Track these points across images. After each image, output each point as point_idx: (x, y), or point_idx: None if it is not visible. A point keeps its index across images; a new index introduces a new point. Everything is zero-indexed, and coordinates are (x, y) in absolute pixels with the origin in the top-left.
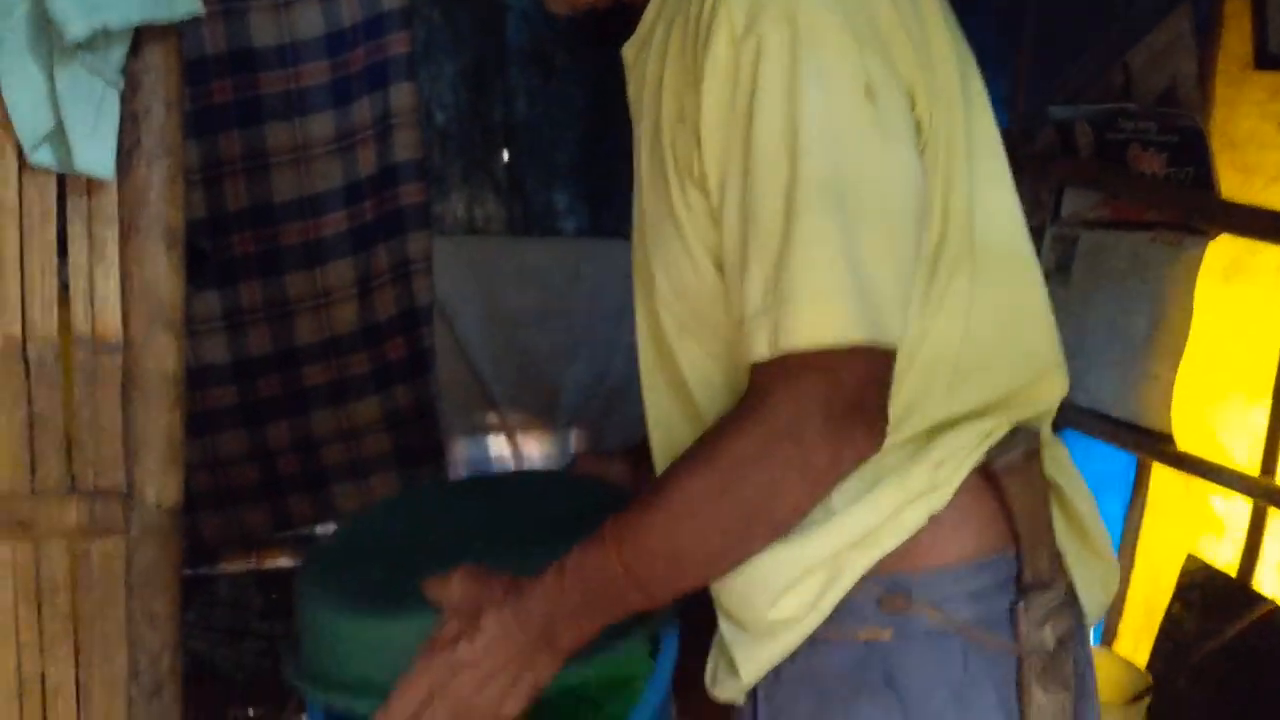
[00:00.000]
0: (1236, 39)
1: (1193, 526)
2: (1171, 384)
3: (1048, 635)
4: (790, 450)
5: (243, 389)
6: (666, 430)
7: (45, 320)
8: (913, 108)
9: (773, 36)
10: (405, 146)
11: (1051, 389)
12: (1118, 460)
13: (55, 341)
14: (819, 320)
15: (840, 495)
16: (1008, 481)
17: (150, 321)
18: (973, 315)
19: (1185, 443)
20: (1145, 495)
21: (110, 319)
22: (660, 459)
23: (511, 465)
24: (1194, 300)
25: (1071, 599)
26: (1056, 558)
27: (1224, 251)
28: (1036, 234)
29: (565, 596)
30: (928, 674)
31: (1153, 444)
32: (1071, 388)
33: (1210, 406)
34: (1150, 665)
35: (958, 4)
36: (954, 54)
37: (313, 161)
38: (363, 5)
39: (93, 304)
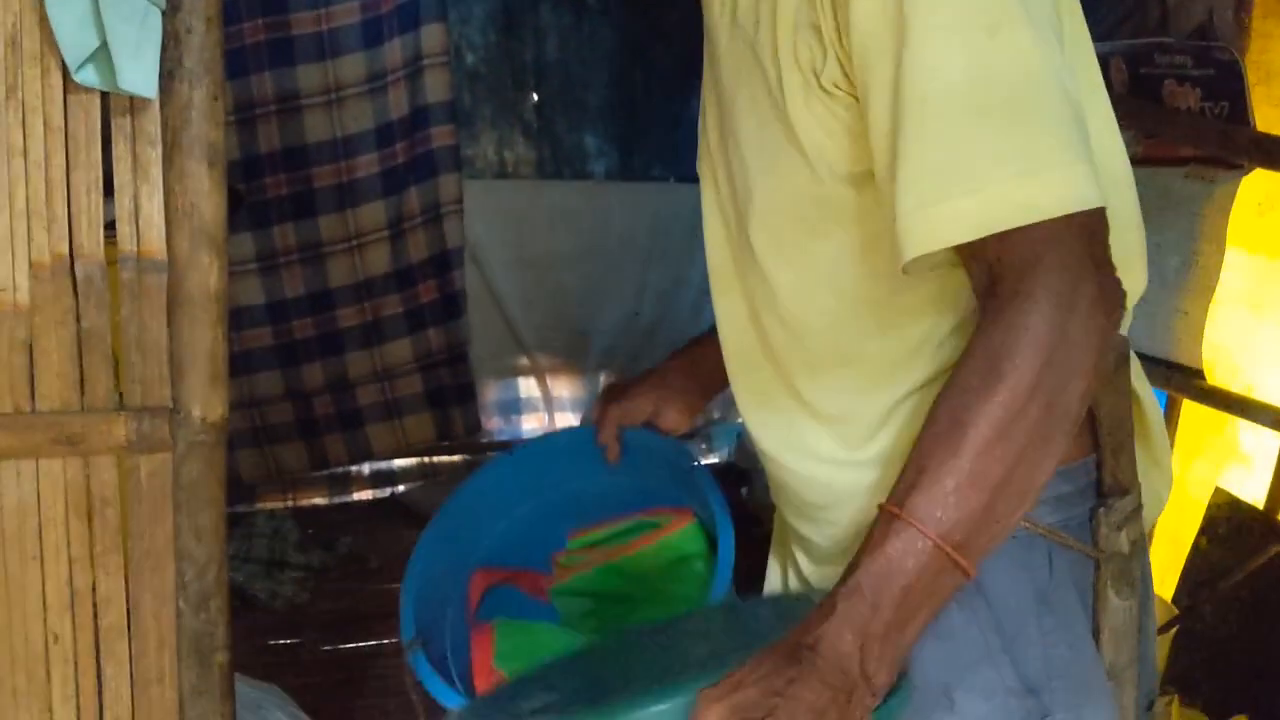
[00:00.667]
0: None
1: (1221, 460)
2: (1203, 319)
3: (1123, 540)
4: (1077, 324)
5: (278, 330)
6: (744, 360)
7: (92, 239)
8: None
9: None
10: (436, 88)
11: (1136, 281)
12: None
13: (102, 260)
14: (1072, 182)
15: None
16: (1098, 388)
17: (193, 240)
18: None
19: (1215, 377)
20: (1174, 430)
21: (154, 238)
22: (740, 390)
23: (542, 407)
24: (1227, 235)
25: (1140, 506)
26: (1134, 464)
27: (1258, 186)
28: None
29: (877, 616)
30: (1014, 577)
31: (1183, 379)
32: None
33: (1241, 341)
34: (1176, 598)
35: None
36: None
37: (344, 103)
38: None
39: (137, 223)
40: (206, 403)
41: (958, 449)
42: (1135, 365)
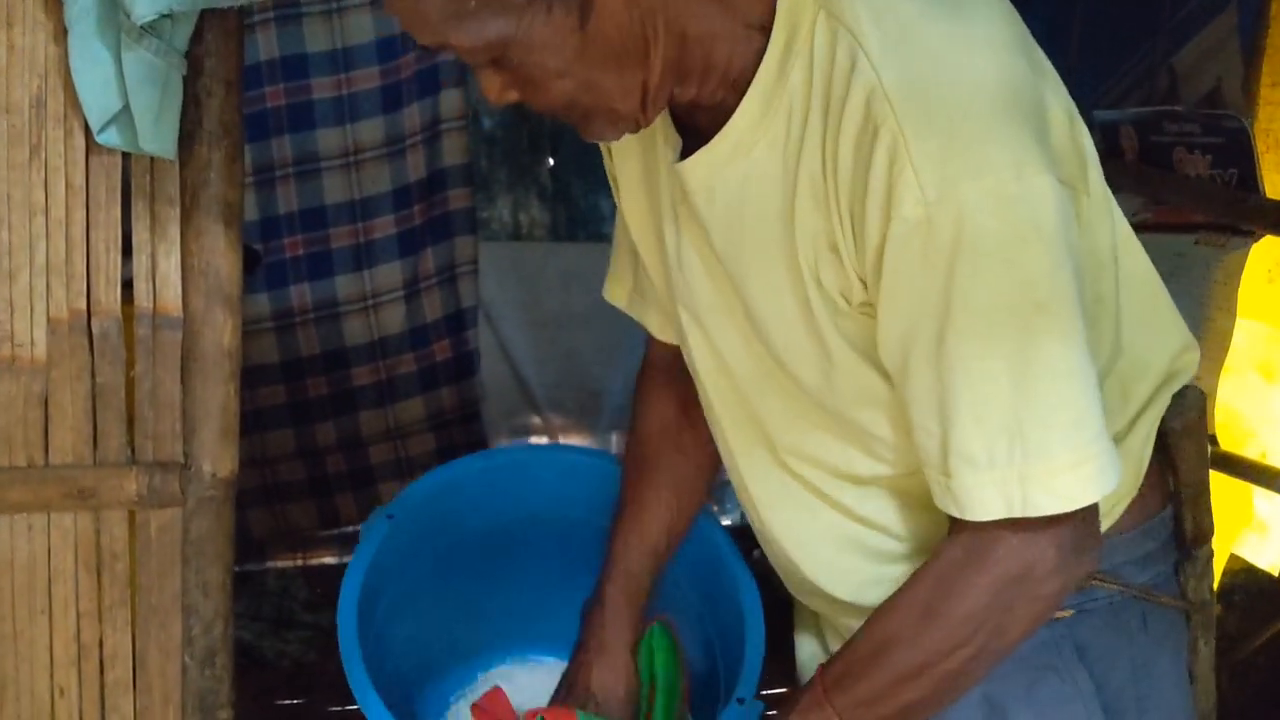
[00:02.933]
0: None
1: (1236, 527)
2: (1214, 386)
3: (1206, 589)
4: (1021, 592)
5: (291, 389)
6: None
7: (109, 296)
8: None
9: (974, 200)
10: (453, 152)
11: (1194, 359)
12: None
13: (119, 316)
14: (1073, 487)
15: None
16: (1182, 442)
17: (208, 297)
18: (1124, 330)
19: (1228, 443)
20: None
21: (170, 295)
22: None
23: None
24: (1238, 302)
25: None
26: (1210, 509)
27: (1268, 252)
28: None
29: None
30: (1112, 644)
31: None
32: None
33: (1254, 408)
34: None
35: None
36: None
37: (363, 166)
38: None
39: (154, 281)
40: (217, 458)
41: (879, 670)
42: None
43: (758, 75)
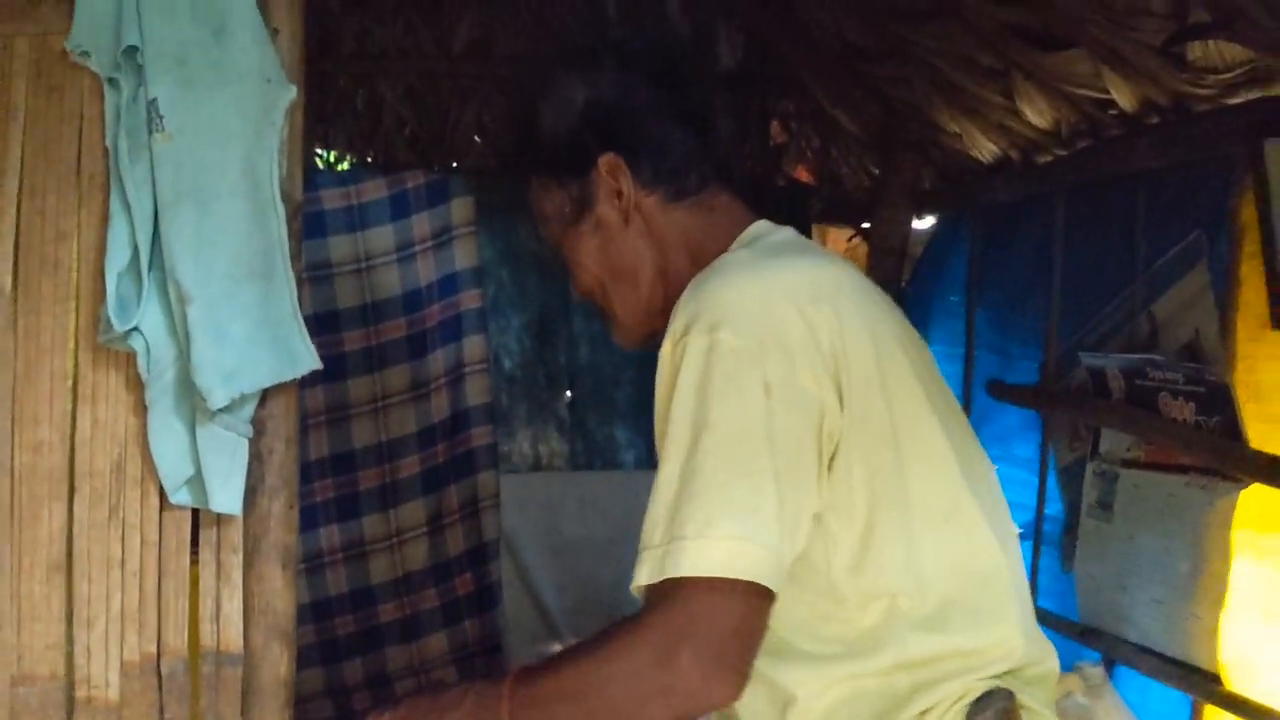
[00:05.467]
0: (1254, 297)
1: None
2: (1215, 625)
3: None
4: (652, 669)
5: (320, 628)
6: None
7: (177, 638)
8: (822, 414)
9: (695, 344)
10: (476, 393)
11: (1013, 652)
12: (1173, 696)
13: (186, 657)
14: (698, 557)
15: None
16: None
17: (267, 634)
18: (923, 563)
19: (1236, 682)
20: None
21: (233, 635)
22: None
23: None
24: (1232, 544)
25: None
26: None
27: (1258, 498)
28: (1077, 468)
29: (461, 711)
30: None
31: (1202, 683)
32: (1120, 623)
33: (1257, 649)
34: None
35: (992, 242)
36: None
37: (390, 410)
38: (437, 265)
39: (218, 622)
40: None
41: (547, 684)
42: None
43: None
